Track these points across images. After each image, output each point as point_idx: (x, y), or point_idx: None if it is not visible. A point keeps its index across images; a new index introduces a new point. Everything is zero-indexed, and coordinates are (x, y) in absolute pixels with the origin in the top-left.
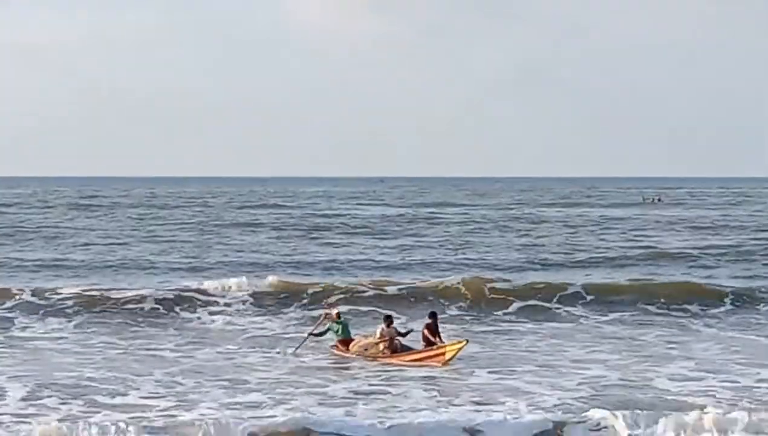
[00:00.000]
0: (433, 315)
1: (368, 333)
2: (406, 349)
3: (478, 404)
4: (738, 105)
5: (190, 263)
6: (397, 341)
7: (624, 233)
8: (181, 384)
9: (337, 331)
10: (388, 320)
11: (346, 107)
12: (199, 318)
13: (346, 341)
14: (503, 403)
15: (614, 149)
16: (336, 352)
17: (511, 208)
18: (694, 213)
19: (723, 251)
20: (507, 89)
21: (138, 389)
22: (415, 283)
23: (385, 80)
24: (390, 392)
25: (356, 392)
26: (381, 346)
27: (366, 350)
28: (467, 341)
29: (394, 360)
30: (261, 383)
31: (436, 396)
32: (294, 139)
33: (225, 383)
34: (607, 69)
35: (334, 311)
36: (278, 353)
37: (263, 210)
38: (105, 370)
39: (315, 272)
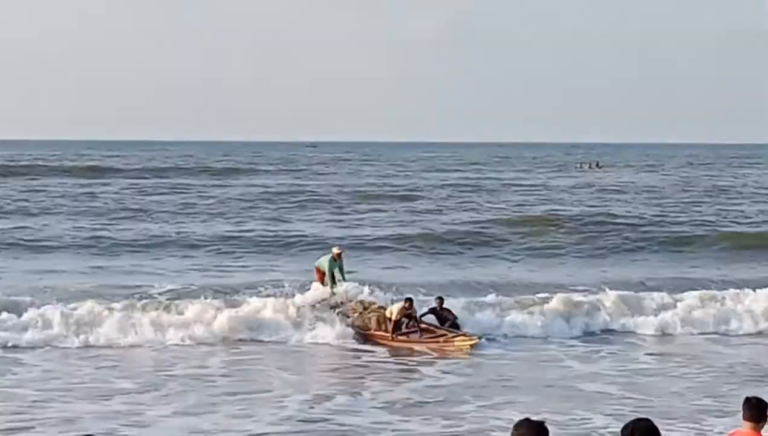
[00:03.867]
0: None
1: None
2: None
3: None
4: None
5: None
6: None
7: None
8: None
9: (324, 266)
10: (409, 301)
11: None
12: None
13: (322, 274)
14: None
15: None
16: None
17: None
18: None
19: None
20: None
21: None
22: None
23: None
24: None
25: None
26: (373, 320)
27: (356, 314)
28: (480, 337)
29: (395, 343)
30: None
31: None
32: (220, 103)
33: None
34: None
35: (336, 250)
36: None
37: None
38: None
39: None
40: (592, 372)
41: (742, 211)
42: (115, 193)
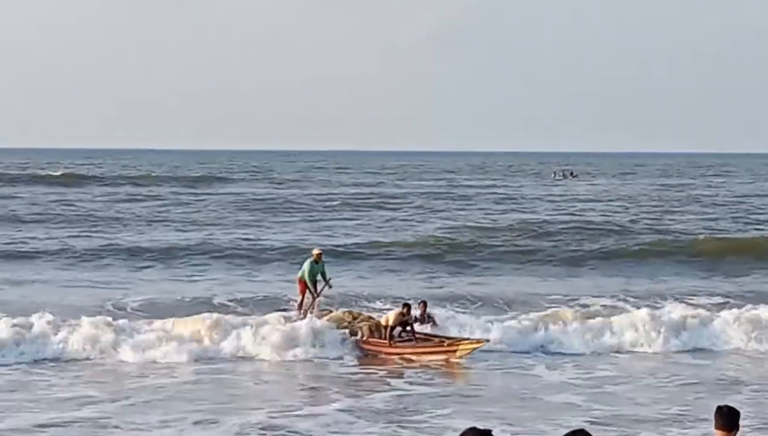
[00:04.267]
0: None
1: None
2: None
3: None
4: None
5: None
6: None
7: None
8: None
9: (306, 272)
10: (407, 307)
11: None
12: None
13: (304, 284)
14: None
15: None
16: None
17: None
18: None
19: None
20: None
21: None
22: None
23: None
24: None
25: None
26: (364, 328)
27: (348, 323)
28: (487, 340)
29: (393, 350)
30: None
31: None
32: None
33: None
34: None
35: (316, 251)
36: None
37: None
38: None
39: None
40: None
41: (713, 221)
42: (89, 201)
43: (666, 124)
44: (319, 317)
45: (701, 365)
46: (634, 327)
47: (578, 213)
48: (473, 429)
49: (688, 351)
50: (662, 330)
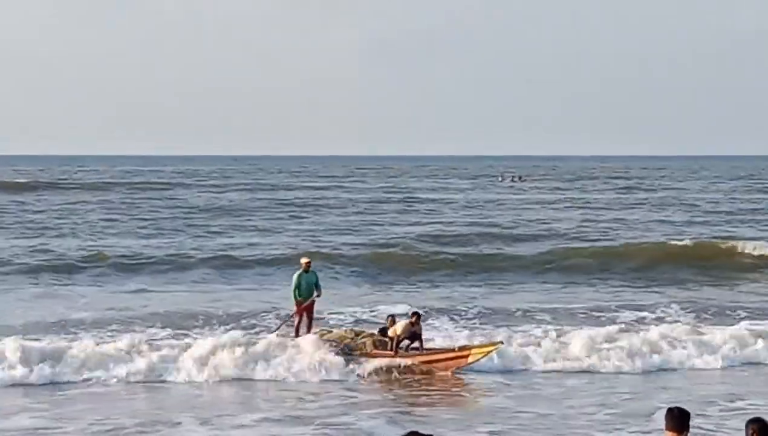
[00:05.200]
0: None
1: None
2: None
3: None
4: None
5: None
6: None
7: None
8: None
9: (298, 286)
10: (416, 315)
11: None
12: None
13: (300, 304)
14: None
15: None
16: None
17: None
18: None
19: None
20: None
21: None
22: None
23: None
24: None
25: None
26: (368, 343)
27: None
28: (502, 342)
29: (400, 360)
30: None
31: None
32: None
33: None
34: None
35: (304, 260)
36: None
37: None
38: None
39: None
40: None
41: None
42: (39, 210)
43: (614, 126)
44: (320, 338)
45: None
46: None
47: (481, 219)
48: (415, 432)
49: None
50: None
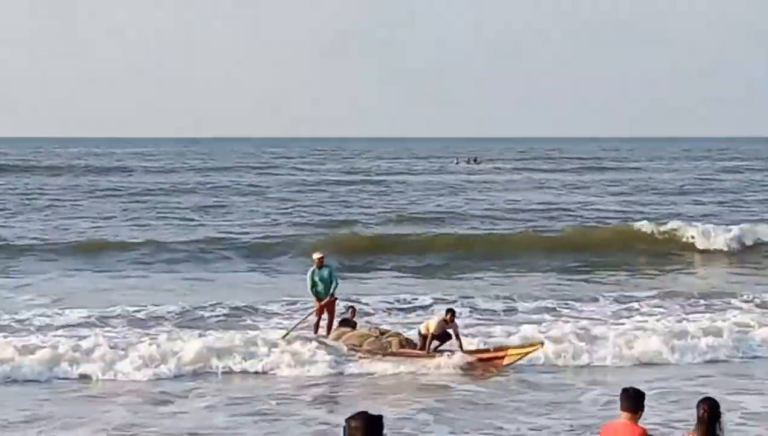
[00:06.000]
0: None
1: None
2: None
3: None
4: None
5: None
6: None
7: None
8: None
9: (315, 284)
10: (450, 313)
11: None
12: None
13: (320, 300)
14: None
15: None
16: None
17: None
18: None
19: None
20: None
21: None
22: None
23: None
24: None
25: None
26: (394, 342)
27: (362, 344)
28: (542, 343)
29: (428, 360)
30: None
31: None
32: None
33: None
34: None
35: (316, 255)
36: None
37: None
38: None
39: None
40: None
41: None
42: None
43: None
44: (338, 338)
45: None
46: None
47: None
48: (364, 412)
49: None
50: None
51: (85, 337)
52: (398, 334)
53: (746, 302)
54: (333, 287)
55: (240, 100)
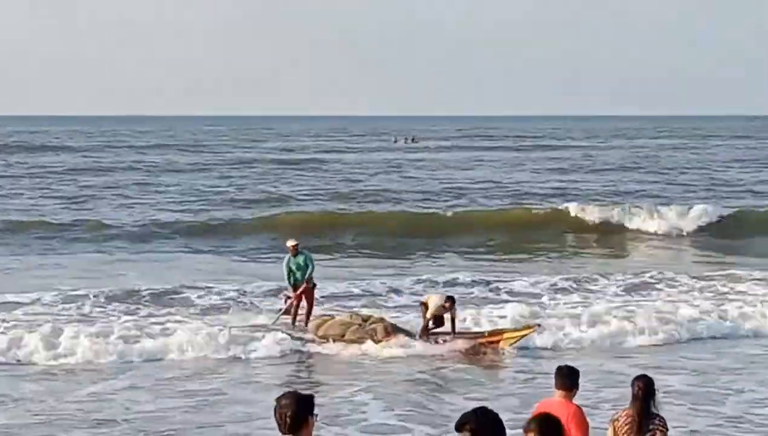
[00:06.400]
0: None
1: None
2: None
3: None
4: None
5: None
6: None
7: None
8: None
9: (290, 273)
10: (450, 300)
11: None
12: None
13: (297, 288)
14: None
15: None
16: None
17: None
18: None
19: None
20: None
21: None
22: None
23: None
24: None
25: None
26: (379, 329)
27: (346, 331)
28: (538, 325)
29: (419, 345)
30: None
31: None
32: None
33: None
34: None
35: (291, 242)
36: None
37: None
38: None
39: None
40: None
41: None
42: None
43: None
44: (318, 327)
45: None
46: None
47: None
48: (293, 392)
49: None
50: None
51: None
52: (382, 319)
53: (669, 282)
54: (309, 272)
55: (177, 80)
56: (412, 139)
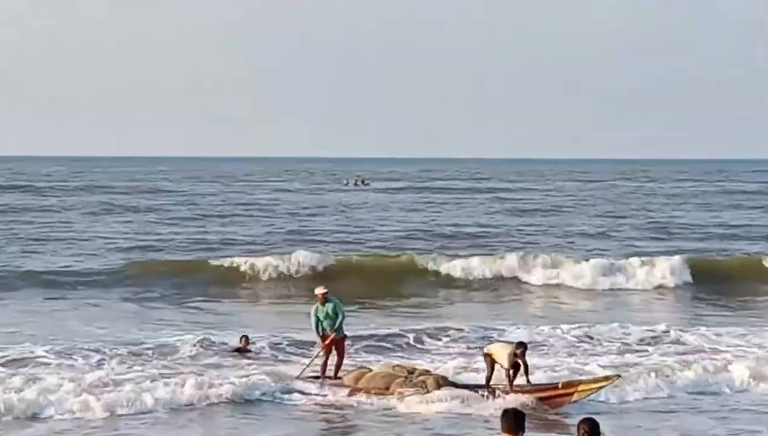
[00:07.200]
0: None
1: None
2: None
3: None
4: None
5: None
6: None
7: None
8: None
9: (319, 322)
10: (523, 347)
11: None
12: None
13: (326, 338)
14: None
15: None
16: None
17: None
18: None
19: None
20: None
21: None
22: None
23: None
24: None
25: None
26: (430, 382)
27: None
28: (619, 375)
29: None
30: None
31: None
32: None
33: None
34: None
35: (320, 290)
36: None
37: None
38: None
39: None
40: None
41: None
42: None
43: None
44: (357, 380)
45: None
46: None
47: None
48: None
49: None
50: None
51: None
52: (427, 371)
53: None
54: (339, 322)
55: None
56: (363, 182)
